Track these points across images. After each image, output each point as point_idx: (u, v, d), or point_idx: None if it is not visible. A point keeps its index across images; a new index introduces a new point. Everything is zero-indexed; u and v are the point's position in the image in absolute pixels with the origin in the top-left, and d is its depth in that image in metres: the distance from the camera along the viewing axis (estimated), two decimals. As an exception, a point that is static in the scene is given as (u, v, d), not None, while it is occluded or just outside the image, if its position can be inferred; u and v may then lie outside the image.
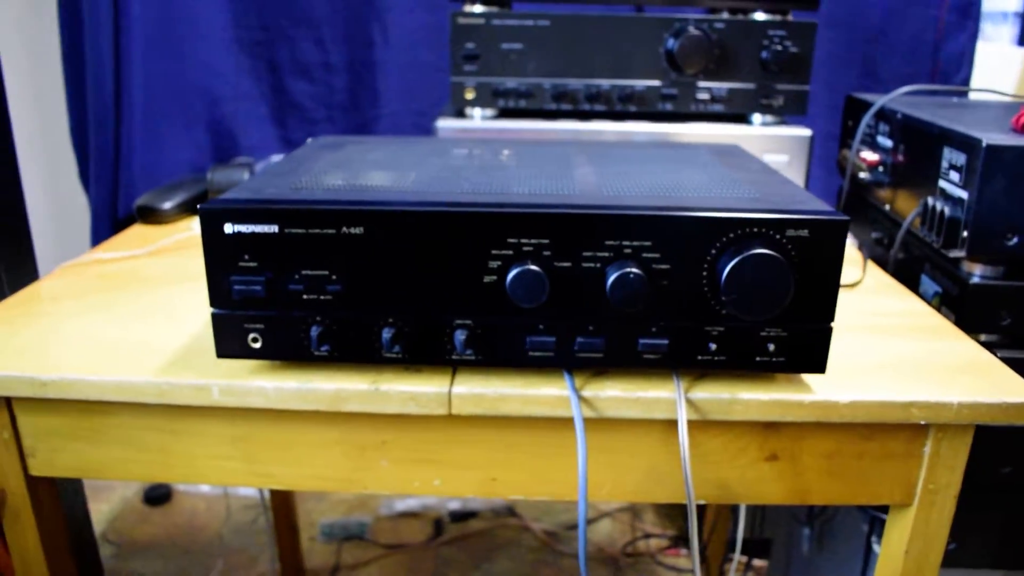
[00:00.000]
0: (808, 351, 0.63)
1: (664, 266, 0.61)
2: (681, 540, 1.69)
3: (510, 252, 0.61)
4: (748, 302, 0.59)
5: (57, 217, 1.85)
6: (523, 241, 0.60)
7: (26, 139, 1.74)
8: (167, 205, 1.09)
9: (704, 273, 0.61)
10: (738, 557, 1.51)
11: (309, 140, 0.92)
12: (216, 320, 0.65)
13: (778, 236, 0.60)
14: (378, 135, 1.60)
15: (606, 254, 0.61)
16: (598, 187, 0.68)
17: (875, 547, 1.00)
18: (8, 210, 0.98)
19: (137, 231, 1.11)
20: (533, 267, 0.60)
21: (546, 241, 0.60)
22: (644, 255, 0.60)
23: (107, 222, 1.64)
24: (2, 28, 1.68)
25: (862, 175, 1.12)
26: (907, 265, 1.01)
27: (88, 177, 1.68)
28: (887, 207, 1.07)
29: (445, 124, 1.08)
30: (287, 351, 0.66)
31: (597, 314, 0.62)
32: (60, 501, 0.82)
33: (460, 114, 1.13)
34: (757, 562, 1.55)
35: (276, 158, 1.38)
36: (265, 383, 0.67)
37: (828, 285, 0.61)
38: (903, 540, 0.72)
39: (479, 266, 0.61)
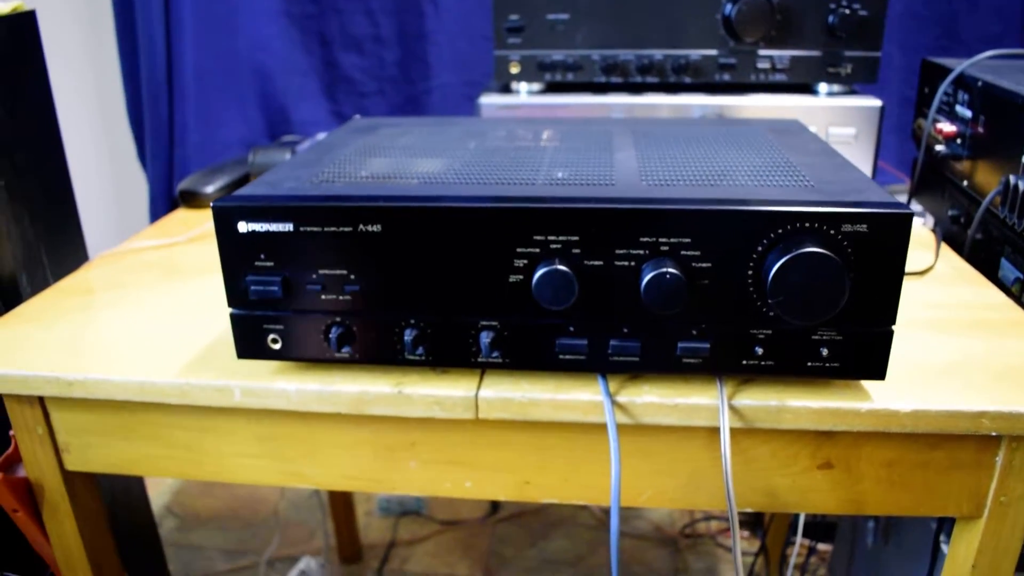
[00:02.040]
0: (866, 356, 0.58)
1: (704, 264, 0.56)
2: (744, 522, 1.63)
3: (536, 250, 0.56)
4: (797, 304, 0.54)
5: (119, 195, 1.87)
6: (550, 238, 0.56)
7: (87, 119, 1.76)
8: (209, 189, 1.08)
9: (749, 272, 0.56)
10: (799, 540, 1.45)
11: (350, 121, 0.88)
12: (235, 320, 0.63)
13: (832, 232, 0.54)
14: (428, 108, 1.57)
15: (641, 252, 0.56)
16: (637, 175, 0.63)
17: (943, 546, 0.94)
18: (56, 199, 0.98)
19: (180, 215, 1.10)
20: (561, 267, 0.55)
21: (575, 238, 0.56)
22: (683, 252, 0.55)
23: (164, 199, 1.65)
24: (59, 6, 1.68)
25: (938, 147, 1.04)
26: (986, 247, 0.93)
27: (145, 155, 1.69)
28: (965, 183, 0.99)
29: (489, 100, 1.04)
30: (307, 352, 0.63)
31: (632, 316, 0.58)
32: (99, 492, 0.82)
33: (506, 89, 1.08)
34: (821, 546, 1.49)
35: (321, 136, 1.35)
36: (287, 385, 0.64)
37: (890, 285, 0.55)
38: (971, 554, 0.66)
39: (504, 265, 0.57)
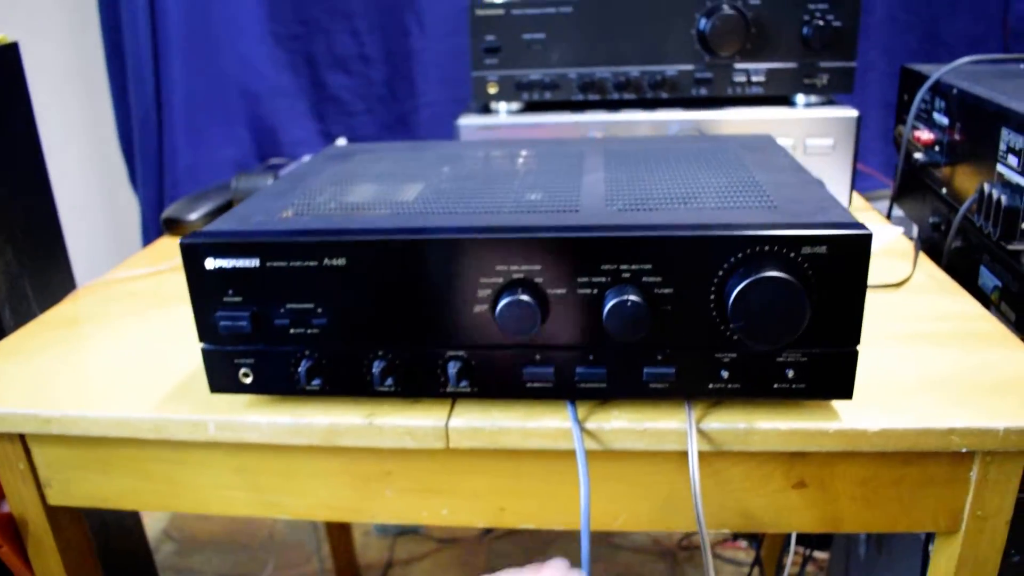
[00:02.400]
0: (832, 376, 0.58)
1: (666, 290, 0.56)
2: (740, 534, 1.63)
3: (500, 280, 0.57)
4: (759, 328, 0.54)
5: (113, 221, 1.88)
6: (513, 268, 0.56)
7: (79, 145, 1.77)
8: (193, 216, 1.08)
9: (712, 297, 0.56)
10: (794, 548, 1.44)
11: (327, 148, 0.89)
12: (206, 356, 0.63)
13: (792, 255, 0.54)
14: (416, 126, 1.58)
15: (603, 279, 0.56)
16: (603, 199, 0.63)
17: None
18: (41, 230, 0.99)
19: (165, 243, 1.10)
20: (524, 297, 0.56)
21: (537, 267, 0.56)
22: (644, 279, 0.56)
23: (155, 224, 1.66)
24: (52, 31, 1.69)
25: (917, 155, 1.04)
26: (965, 254, 0.93)
27: (136, 179, 1.70)
28: (944, 190, 0.99)
29: (467, 122, 1.04)
30: (278, 386, 0.63)
31: (597, 343, 0.58)
32: (84, 526, 0.82)
33: (485, 109, 1.09)
34: (818, 554, 1.49)
35: (307, 159, 1.36)
36: (260, 418, 0.64)
37: (852, 306, 0.56)
38: (951, 568, 0.66)
39: (468, 296, 0.58)
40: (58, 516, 0.77)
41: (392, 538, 1.71)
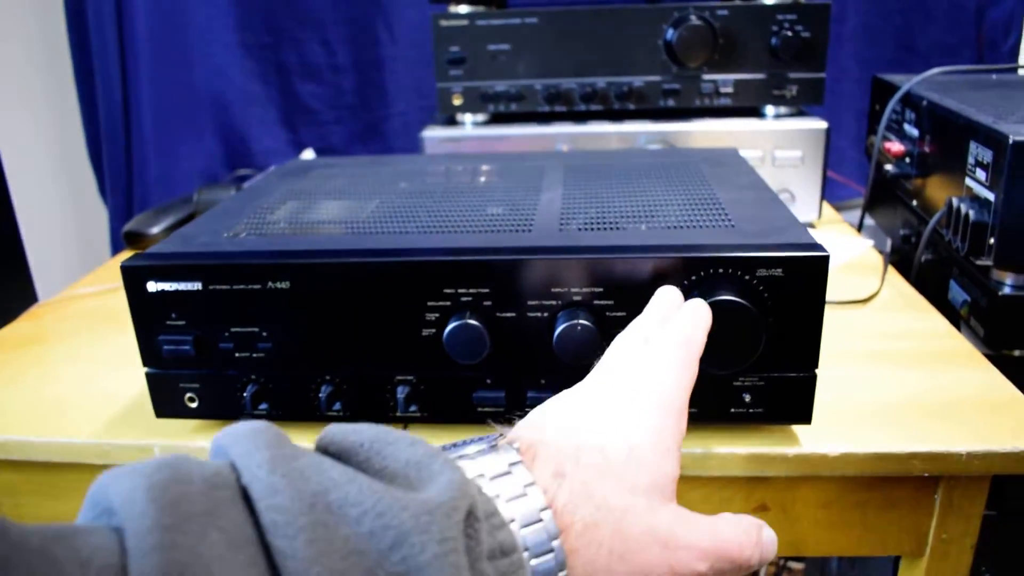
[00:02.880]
0: (790, 401, 0.56)
1: (619, 313, 0.54)
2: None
3: (447, 303, 0.55)
4: (714, 353, 0.52)
5: (82, 233, 1.85)
6: (460, 291, 0.55)
7: (47, 152, 1.74)
8: (155, 230, 1.06)
9: (665, 319, 0.54)
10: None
11: (285, 163, 0.87)
12: (150, 380, 0.61)
13: (747, 277, 0.53)
14: (388, 135, 1.56)
15: (554, 302, 0.54)
16: (558, 218, 0.62)
17: (905, 574, 0.92)
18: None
19: (125, 258, 1.08)
20: (472, 321, 0.54)
21: (486, 290, 0.55)
22: (596, 302, 0.54)
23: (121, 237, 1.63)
24: (19, 44, 1.67)
25: (888, 166, 1.03)
26: (935, 268, 0.93)
27: (105, 189, 1.67)
28: (914, 202, 0.98)
29: (432, 134, 1.03)
30: (225, 410, 0.61)
31: (549, 367, 0.56)
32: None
33: (451, 121, 1.07)
34: (793, 564, 1.47)
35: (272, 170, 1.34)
36: (206, 443, 0.62)
37: (809, 329, 0.54)
38: (917, 593, 0.65)
39: (415, 319, 0.56)
40: (7, 542, 0.75)
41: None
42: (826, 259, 0.53)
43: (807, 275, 0.53)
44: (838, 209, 1.21)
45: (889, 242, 1.13)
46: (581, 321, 0.53)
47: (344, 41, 1.53)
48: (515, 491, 0.36)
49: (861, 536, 0.63)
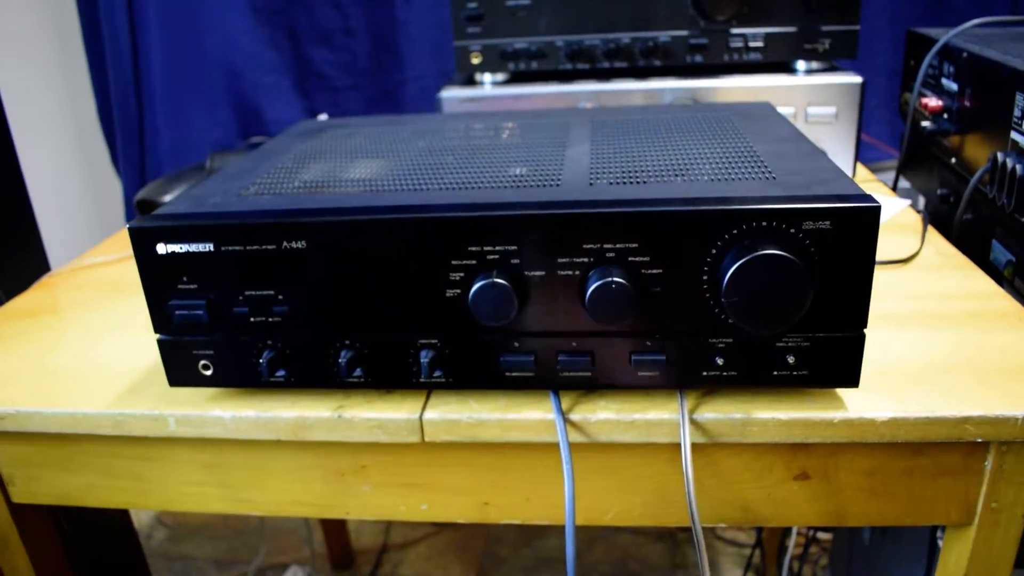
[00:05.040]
0: (836, 363, 0.53)
1: (655, 270, 0.51)
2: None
3: (472, 262, 0.52)
4: (756, 311, 0.50)
5: (97, 202, 1.84)
6: (486, 249, 0.52)
7: (61, 124, 1.72)
8: (167, 198, 1.03)
9: (704, 277, 0.51)
10: (796, 530, 1.41)
11: (297, 123, 0.84)
12: (162, 347, 0.59)
13: (792, 230, 0.49)
14: (403, 101, 1.53)
15: (585, 259, 0.51)
16: (587, 173, 0.59)
17: (940, 542, 0.89)
18: (10, 216, 0.94)
19: (137, 225, 1.05)
20: (499, 280, 0.51)
21: (513, 247, 0.51)
22: (630, 259, 0.51)
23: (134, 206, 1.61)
24: (29, 16, 1.64)
25: (925, 123, 0.99)
26: (976, 228, 0.89)
27: (118, 160, 1.65)
28: (953, 160, 0.94)
29: (450, 94, 0.99)
30: (240, 378, 0.59)
31: (581, 328, 0.53)
32: (52, 523, 0.79)
33: (470, 81, 1.03)
34: (822, 535, 1.45)
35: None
36: (223, 412, 0.60)
37: (859, 286, 0.51)
38: (963, 561, 0.62)
39: (439, 279, 0.53)
40: (24, 514, 0.73)
41: (387, 522, 1.68)
42: (877, 210, 0.49)
43: (856, 228, 0.49)
44: (869, 170, 1.17)
45: (923, 202, 1.09)
46: (615, 279, 0.50)
47: (357, 4, 1.49)
48: None
49: (906, 505, 0.60)
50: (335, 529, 1.56)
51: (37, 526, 0.76)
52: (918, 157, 1.06)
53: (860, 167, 1.08)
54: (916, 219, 0.89)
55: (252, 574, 1.54)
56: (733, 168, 0.58)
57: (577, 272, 0.52)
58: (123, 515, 1.13)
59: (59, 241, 1.01)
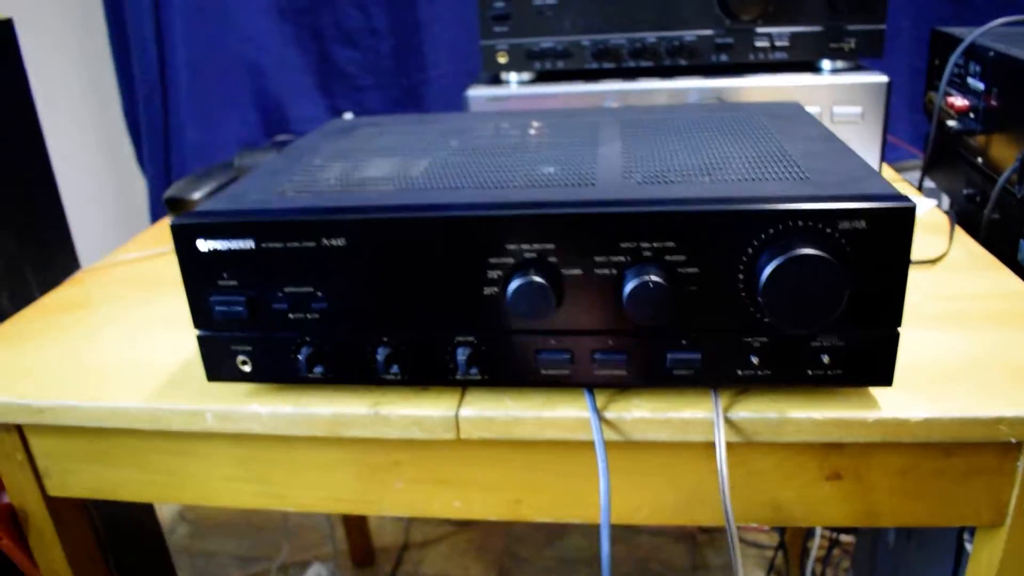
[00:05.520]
0: (871, 362, 0.54)
1: (691, 270, 0.52)
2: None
3: (510, 260, 0.53)
4: (792, 311, 0.50)
5: (122, 199, 1.85)
6: (524, 247, 0.52)
7: (86, 123, 1.74)
8: (196, 195, 1.04)
9: (740, 276, 0.52)
10: (820, 532, 1.41)
11: (328, 122, 0.85)
12: (202, 342, 0.59)
13: (828, 230, 0.50)
14: (426, 100, 1.53)
15: (622, 258, 0.52)
16: (620, 172, 0.59)
17: (967, 545, 0.89)
18: (42, 212, 0.95)
19: (167, 224, 1.07)
20: (536, 278, 0.52)
21: (551, 246, 0.52)
22: (667, 258, 0.51)
23: (162, 202, 1.62)
24: (54, 7, 1.65)
25: (950, 122, 0.99)
26: (1003, 227, 0.88)
27: (143, 158, 1.67)
28: (979, 159, 0.94)
29: (477, 92, 1.00)
30: (279, 374, 0.60)
31: (617, 327, 0.54)
32: (86, 516, 0.80)
33: (495, 80, 1.04)
34: (844, 538, 1.45)
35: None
36: (260, 408, 0.61)
37: (894, 285, 0.51)
38: (994, 562, 0.62)
39: (477, 277, 0.54)
40: (59, 507, 0.74)
41: (408, 520, 1.69)
42: (912, 210, 0.49)
43: (892, 227, 0.50)
44: (893, 169, 1.17)
45: (948, 202, 1.09)
46: (653, 278, 0.50)
47: (380, 4, 1.50)
48: None
49: (938, 506, 0.61)
50: (357, 527, 1.57)
51: (71, 519, 0.77)
52: (943, 156, 1.06)
53: (885, 167, 1.08)
54: (943, 219, 0.89)
55: (275, 571, 1.55)
56: (766, 167, 0.58)
57: (614, 271, 0.52)
58: (148, 509, 1.14)
59: (85, 237, 1.02)
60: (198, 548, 1.64)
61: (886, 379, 0.54)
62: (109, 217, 1.83)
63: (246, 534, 1.67)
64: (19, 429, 0.70)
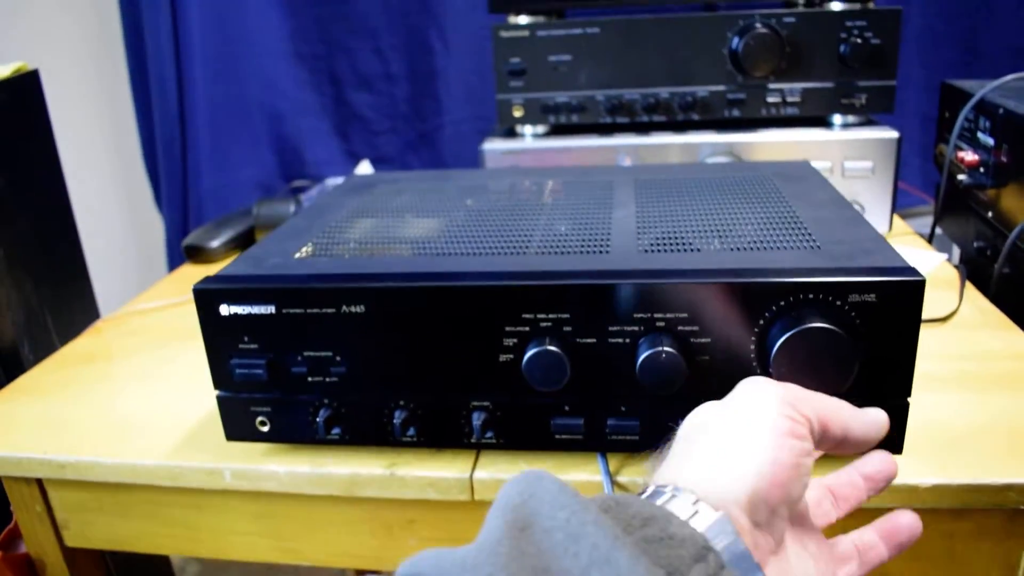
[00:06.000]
0: (880, 430, 0.54)
1: (704, 340, 0.53)
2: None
3: (526, 329, 0.54)
4: (803, 380, 0.50)
5: (140, 243, 1.87)
6: (539, 316, 0.53)
7: (106, 163, 1.77)
8: (215, 244, 1.06)
9: (752, 346, 0.52)
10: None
11: (347, 178, 0.87)
12: (221, 403, 0.61)
13: (839, 303, 0.51)
14: (440, 145, 1.55)
15: (636, 328, 0.53)
16: (634, 237, 0.60)
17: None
18: (63, 261, 0.97)
19: (185, 272, 1.08)
20: (551, 347, 0.53)
21: (566, 315, 0.53)
22: (680, 328, 0.52)
23: (180, 246, 1.64)
24: (76, 54, 1.69)
25: (960, 176, 1.00)
26: (1015, 281, 0.89)
27: (161, 200, 1.69)
28: (990, 214, 0.95)
29: (492, 146, 1.02)
30: (296, 434, 0.61)
31: (630, 394, 0.55)
32: (102, 566, 0.81)
33: (510, 132, 1.06)
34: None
35: (332, 182, 1.34)
36: (278, 467, 0.62)
37: (903, 355, 0.52)
38: (1005, 628, 0.62)
39: (493, 344, 0.55)
40: (76, 557, 0.75)
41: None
42: (922, 284, 0.50)
43: (902, 300, 0.51)
44: (902, 217, 1.18)
45: (957, 251, 1.09)
46: (666, 348, 0.51)
47: (397, 51, 1.52)
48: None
49: (947, 568, 0.61)
50: (368, 569, 1.56)
51: (87, 568, 0.78)
52: (953, 207, 1.07)
53: (895, 218, 1.09)
54: (953, 273, 0.90)
55: (285, 611, 1.55)
56: (776, 234, 0.59)
57: (627, 340, 0.53)
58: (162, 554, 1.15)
59: (102, 279, 1.04)
60: (209, 587, 1.65)
61: (896, 447, 0.54)
62: (127, 258, 1.85)
63: (256, 573, 1.67)
64: (39, 481, 0.71)
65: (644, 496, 0.37)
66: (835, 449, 0.43)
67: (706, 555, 0.32)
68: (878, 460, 0.49)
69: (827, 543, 0.45)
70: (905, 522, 0.47)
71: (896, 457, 0.56)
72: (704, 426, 0.42)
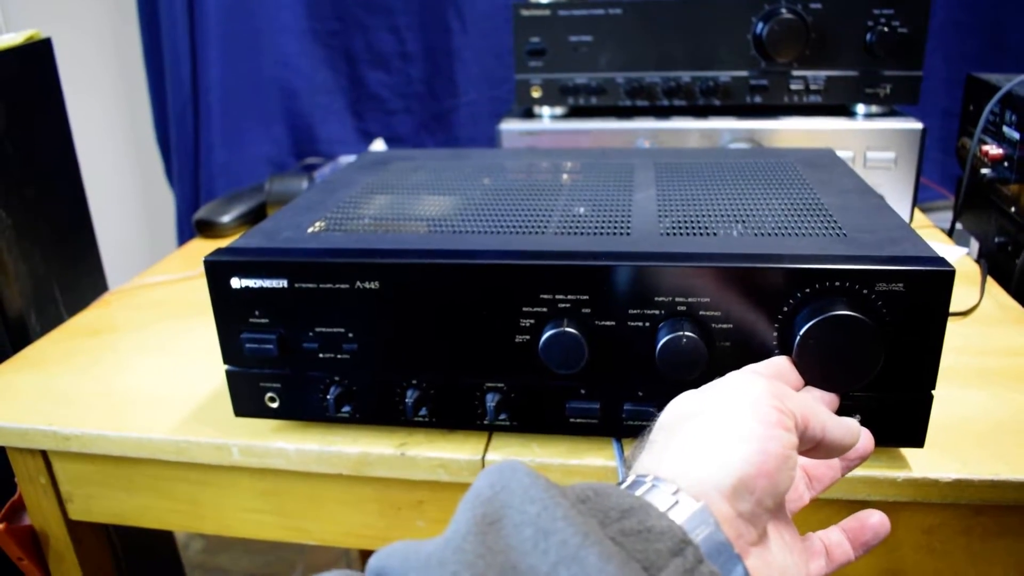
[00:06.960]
0: (903, 422, 0.53)
1: (725, 325, 0.51)
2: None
3: (544, 309, 0.53)
4: (827, 370, 0.49)
5: (150, 217, 1.87)
6: (558, 297, 0.52)
7: (117, 137, 1.76)
8: (226, 219, 1.05)
9: (775, 333, 0.51)
10: None
11: (362, 155, 0.85)
12: (230, 378, 0.60)
13: (865, 291, 0.49)
14: (455, 125, 1.54)
15: (656, 312, 0.52)
16: (655, 220, 0.59)
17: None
18: (71, 232, 0.96)
19: (195, 246, 1.07)
20: (570, 329, 0.51)
21: (585, 297, 0.52)
22: (701, 313, 0.51)
23: (190, 220, 1.64)
24: (90, 27, 1.68)
25: (983, 170, 0.98)
26: (1036, 279, 0.88)
27: (172, 175, 1.68)
28: (1012, 209, 0.93)
29: (510, 126, 1.00)
30: (306, 412, 0.60)
31: (648, 379, 0.54)
32: (106, 539, 0.80)
33: (528, 113, 1.04)
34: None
35: (345, 159, 1.33)
36: (286, 444, 0.61)
37: (930, 347, 0.51)
38: (1022, 626, 0.61)
39: (509, 324, 0.54)
40: (79, 531, 0.75)
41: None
42: (951, 274, 0.49)
43: (930, 291, 0.49)
44: (921, 211, 1.16)
45: (976, 245, 1.08)
46: (687, 333, 0.50)
47: (414, 30, 1.51)
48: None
49: (964, 564, 0.60)
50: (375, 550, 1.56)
51: (91, 541, 0.77)
52: (974, 201, 1.05)
53: (916, 212, 1.08)
54: (974, 268, 0.89)
55: (288, 589, 1.55)
56: (800, 220, 0.58)
57: (647, 324, 0.52)
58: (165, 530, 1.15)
59: (111, 252, 1.03)
60: (212, 564, 1.64)
61: (918, 440, 0.53)
62: (137, 231, 1.85)
63: (260, 551, 1.67)
64: (44, 454, 0.70)
65: (623, 486, 0.36)
66: (810, 452, 0.42)
67: (684, 549, 0.31)
68: None
69: (799, 536, 0.44)
70: (872, 523, 0.46)
71: (917, 451, 0.55)
72: (688, 415, 0.40)
